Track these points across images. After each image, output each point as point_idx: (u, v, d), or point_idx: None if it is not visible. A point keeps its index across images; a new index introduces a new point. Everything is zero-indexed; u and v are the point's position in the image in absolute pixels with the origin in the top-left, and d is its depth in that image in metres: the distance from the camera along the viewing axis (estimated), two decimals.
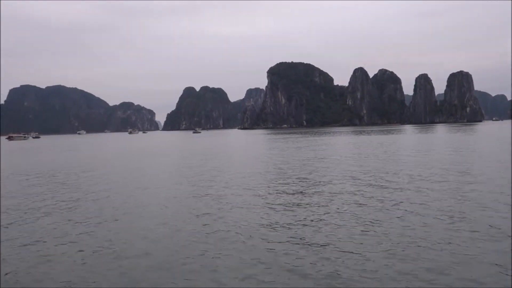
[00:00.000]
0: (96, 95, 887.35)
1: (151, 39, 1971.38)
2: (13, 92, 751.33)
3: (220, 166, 38.74)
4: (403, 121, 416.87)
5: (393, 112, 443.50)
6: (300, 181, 26.74)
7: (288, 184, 25.86)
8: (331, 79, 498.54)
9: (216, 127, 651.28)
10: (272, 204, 19.66)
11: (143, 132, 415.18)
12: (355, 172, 30.12)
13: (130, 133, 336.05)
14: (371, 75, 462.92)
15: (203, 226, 15.77)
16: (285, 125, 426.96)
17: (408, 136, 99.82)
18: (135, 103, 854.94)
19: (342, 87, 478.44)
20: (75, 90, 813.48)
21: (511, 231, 13.61)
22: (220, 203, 20.24)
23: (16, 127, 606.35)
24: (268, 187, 25.05)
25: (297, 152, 54.55)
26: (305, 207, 18.62)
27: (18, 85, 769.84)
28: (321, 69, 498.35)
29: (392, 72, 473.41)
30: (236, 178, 29.16)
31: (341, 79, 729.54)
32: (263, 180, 28.18)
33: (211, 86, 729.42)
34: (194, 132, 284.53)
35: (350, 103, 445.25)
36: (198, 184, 26.91)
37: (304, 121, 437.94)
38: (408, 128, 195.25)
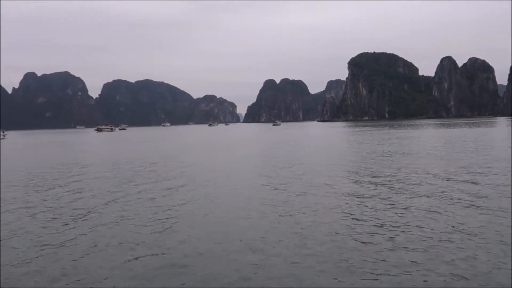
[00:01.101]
0: (181, 88, 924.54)
1: (234, 32, 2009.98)
2: (106, 87, 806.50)
3: (304, 157, 38.85)
4: (496, 113, 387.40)
5: (484, 103, 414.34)
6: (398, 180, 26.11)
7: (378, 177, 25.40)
8: (416, 69, 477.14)
9: (295, 119, 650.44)
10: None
11: (226, 125, 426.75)
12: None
13: (210, 125, 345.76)
14: (460, 64, 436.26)
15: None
16: (366, 117, 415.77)
17: (504, 129, 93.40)
18: (218, 96, 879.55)
19: (427, 78, 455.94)
20: (161, 84, 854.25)
21: None
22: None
23: (109, 119, 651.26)
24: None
25: (387, 146, 53.17)
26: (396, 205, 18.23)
27: (111, 80, 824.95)
28: (406, 59, 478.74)
29: (483, 61, 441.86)
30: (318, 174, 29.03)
31: (427, 69, 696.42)
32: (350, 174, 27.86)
33: (291, 78, 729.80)
34: (274, 125, 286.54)
35: (436, 94, 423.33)
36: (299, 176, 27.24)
37: (386, 113, 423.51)
38: (503, 121, 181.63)
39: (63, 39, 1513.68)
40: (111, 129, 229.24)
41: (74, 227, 15.37)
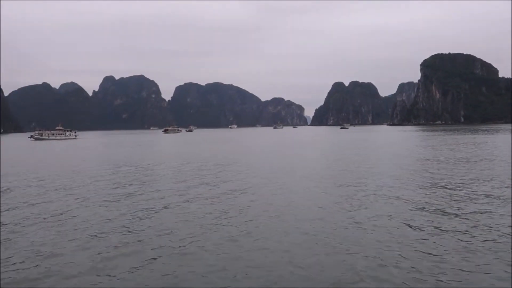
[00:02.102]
0: (250, 91, 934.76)
1: (302, 34, 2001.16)
2: (178, 89, 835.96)
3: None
4: None
5: None
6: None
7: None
8: (495, 71, 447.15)
9: (364, 122, 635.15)
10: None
11: (293, 127, 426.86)
12: None
13: (275, 128, 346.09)
14: None
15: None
16: (439, 122, 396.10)
17: None
18: (285, 99, 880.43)
19: (508, 80, 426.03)
20: (231, 86, 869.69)
21: None
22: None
23: (180, 121, 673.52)
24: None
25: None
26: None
27: (182, 83, 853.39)
28: (484, 60, 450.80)
29: None
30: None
31: (507, 70, 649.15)
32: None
33: (360, 81, 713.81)
34: (341, 128, 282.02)
35: None
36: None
37: (461, 117, 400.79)
38: None
39: (140, 44, 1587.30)
40: (178, 130, 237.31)
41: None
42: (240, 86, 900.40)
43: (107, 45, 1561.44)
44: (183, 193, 23.63)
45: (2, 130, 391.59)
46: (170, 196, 22.78)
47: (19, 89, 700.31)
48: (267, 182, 27.18)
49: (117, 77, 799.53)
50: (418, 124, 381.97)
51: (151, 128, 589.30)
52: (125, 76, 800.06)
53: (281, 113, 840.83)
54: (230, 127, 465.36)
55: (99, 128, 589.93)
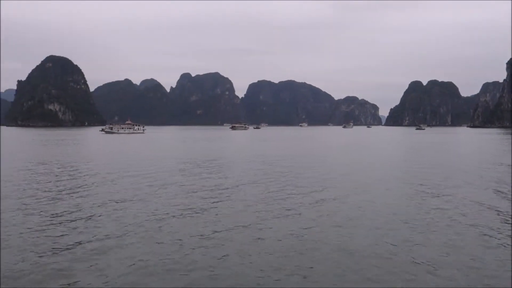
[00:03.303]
0: (323, 89, 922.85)
1: (377, 32, 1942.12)
2: (251, 87, 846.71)
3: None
4: None
5: None
6: None
7: None
8: None
9: (442, 124, 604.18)
10: None
11: (367, 127, 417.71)
12: None
13: (344, 127, 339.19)
14: None
15: None
16: None
17: None
18: (359, 97, 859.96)
19: None
20: (303, 84, 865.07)
21: None
22: None
23: (252, 118, 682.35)
24: None
25: None
26: None
27: (255, 80, 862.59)
28: None
29: None
30: None
31: None
32: None
33: (439, 80, 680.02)
34: (417, 129, 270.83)
35: None
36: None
37: None
38: None
39: (216, 43, 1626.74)
40: (245, 127, 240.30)
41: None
42: (313, 84, 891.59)
43: (184, 44, 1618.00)
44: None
45: (86, 123, 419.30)
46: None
47: (103, 85, 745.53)
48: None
49: (193, 74, 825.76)
50: (502, 127, 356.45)
51: (224, 124, 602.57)
52: (201, 73, 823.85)
53: (355, 112, 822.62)
54: (301, 125, 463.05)
55: (175, 123, 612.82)
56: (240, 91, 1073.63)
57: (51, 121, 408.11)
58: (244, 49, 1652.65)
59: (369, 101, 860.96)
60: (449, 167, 37.86)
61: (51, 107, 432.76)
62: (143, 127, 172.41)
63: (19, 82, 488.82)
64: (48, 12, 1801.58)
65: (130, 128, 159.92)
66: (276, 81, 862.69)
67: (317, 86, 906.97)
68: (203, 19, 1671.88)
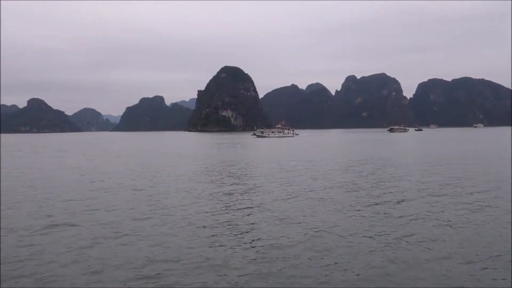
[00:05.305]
0: (505, 85, 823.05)
1: None
2: (421, 86, 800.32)
3: None
4: None
5: None
6: None
7: None
8: None
9: None
10: None
11: None
12: None
13: None
14: None
15: None
16: None
17: None
18: None
19: None
20: (482, 81, 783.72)
21: None
22: None
23: (421, 119, 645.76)
24: None
25: None
26: None
27: (425, 79, 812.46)
28: None
29: None
30: None
31: None
32: None
33: None
34: None
35: None
36: None
37: None
38: None
39: (380, 42, 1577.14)
40: (404, 129, 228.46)
41: None
42: (493, 81, 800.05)
43: (349, 46, 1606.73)
44: None
45: (255, 128, 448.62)
46: None
47: (272, 91, 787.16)
48: None
49: (358, 76, 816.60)
50: None
51: (385, 125, 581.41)
52: (366, 75, 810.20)
53: None
54: (475, 126, 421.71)
55: (339, 126, 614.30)
56: (409, 91, 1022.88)
57: (224, 126, 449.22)
58: (412, 47, 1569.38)
59: None
60: None
61: (224, 113, 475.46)
62: (293, 131, 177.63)
63: (199, 91, 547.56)
64: (219, 27, 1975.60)
65: (280, 132, 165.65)
66: (449, 79, 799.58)
67: (498, 83, 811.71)
68: (366, 20, 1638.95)
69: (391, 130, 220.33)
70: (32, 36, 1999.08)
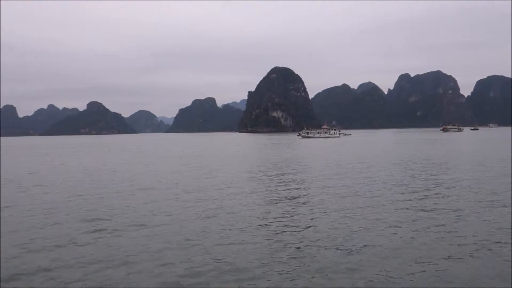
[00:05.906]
0: None
1: None
2: (479, 83, 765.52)
3: None
4: None
5: None
6: None
7: None
8: None
9: None
10: None
11: None
12: None
13: None
14: None
15: None
16: None
17: None
18: None
19: None
20: None
21: None
22: None
23: (480, 118, 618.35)
24: None
25: None
26: None
27: (484, 76, 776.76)
28: None
29: None
30: None
31: None
32: None
33: None
34: None
35: None
36: None
37: None
38: None
39: (435, 39, 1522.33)
40: (459, 129, 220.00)
41: None
42: None
43: (403, 43, 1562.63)
44: None
45: (305, 128, 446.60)
46: None
47: (322, 91, 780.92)
48: None
49: (412, 75, 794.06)
50: None
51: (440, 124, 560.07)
52: (420, 73, 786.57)
53: None
54: None
55: (393, 126, 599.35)
56: (466, 89, 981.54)
57: (274, 126, 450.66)
58: (469, 42, 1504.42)
59: None
60: None
61: (274, 114, 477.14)
62: (339, 131, 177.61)
63: (249, 93, 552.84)
64: (269, 28, 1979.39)
65: (325, 133, 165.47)
66: (510, 75, 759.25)
67: None
68: (420, 16, 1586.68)
69: (444, 130, 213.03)
70: (93, 42, 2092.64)
